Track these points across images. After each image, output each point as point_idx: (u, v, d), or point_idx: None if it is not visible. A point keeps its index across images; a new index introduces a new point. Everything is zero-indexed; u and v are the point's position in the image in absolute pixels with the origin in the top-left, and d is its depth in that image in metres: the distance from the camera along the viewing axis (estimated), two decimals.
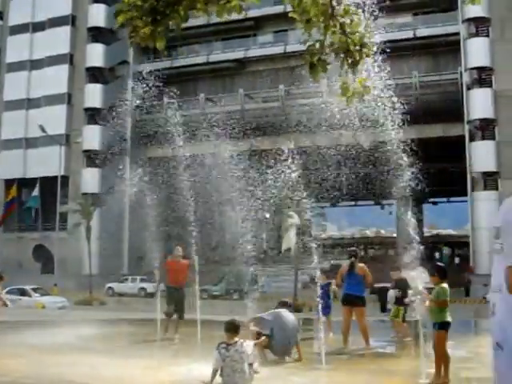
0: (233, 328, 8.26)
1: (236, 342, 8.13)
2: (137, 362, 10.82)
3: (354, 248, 16.73)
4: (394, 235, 78.99)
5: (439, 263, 9.39)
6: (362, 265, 14.31)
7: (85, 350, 12.53)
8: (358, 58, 6.55)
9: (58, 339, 13.39)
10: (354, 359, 11.23)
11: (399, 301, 14.96)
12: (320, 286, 15.89)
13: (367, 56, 6.59)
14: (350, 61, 6.62)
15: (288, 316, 11.11)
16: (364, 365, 10.83)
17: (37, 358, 11.41)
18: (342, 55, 6.64)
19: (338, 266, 56.45)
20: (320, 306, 15.68)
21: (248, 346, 8.22)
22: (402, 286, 14.77)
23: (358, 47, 6.47)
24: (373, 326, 15.36)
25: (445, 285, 8.79)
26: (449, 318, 8.60)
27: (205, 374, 8.13)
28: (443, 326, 8.56)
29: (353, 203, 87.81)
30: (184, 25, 6.48)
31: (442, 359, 8.46)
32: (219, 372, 8.03)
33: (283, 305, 12.07)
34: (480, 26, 51.87)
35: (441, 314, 8.60)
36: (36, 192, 61.47)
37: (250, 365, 8.14)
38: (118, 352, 12.35)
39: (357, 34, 6.51)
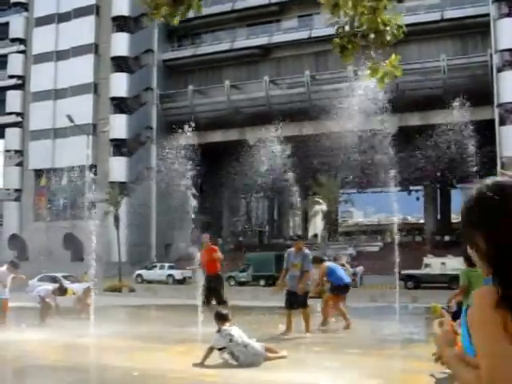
0: (221, 316, 9.17)
1: (226, 328, 8.95)
2: (172, 347, 10.91)
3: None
4: (422, 221, 78.67)
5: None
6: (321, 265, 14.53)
7: (120, 334, 12.62)
8: (388, 38, 6.46)
9: (92, 324, 13.45)
10: (383, 344, 11.13)
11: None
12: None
13: (397, 37, 6.51)
14: (380, 42, 6.54)
15: None
16: (394, 350, 10.76)
17: (73, 343, 11.54)
18: (371, 36, 6.54)
19: (364, 252, 56.54)
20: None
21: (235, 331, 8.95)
22: None
23: (388, 28, 6.39)
24: (403, 312, 15.32)
25: (466, 270, 8.57)
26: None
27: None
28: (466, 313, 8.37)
29: (379, 189, 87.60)
30: (208, 11, 6.52)
31: None
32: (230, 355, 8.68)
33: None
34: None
35: (464, 299, 8.43)
36: (64, 182, 62.03)
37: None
38: (154, 336, 12.45)
39: (386, 14, 6.45)
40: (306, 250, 13.00)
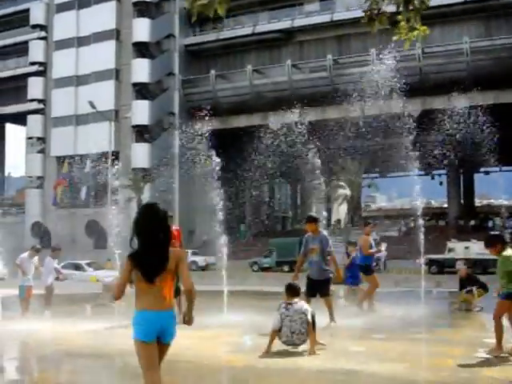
0: (293, 289, 8.62)
1: (296, 302, 8.43)
2: (197, 332, 10.83)
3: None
4: (445, 206, 78.15)
5: (494, 232, 8.91)
6: (364, 237, 14.55)
7: None
8: (418, 6, 6.53)
9: (115, 310, 13.40)
10: (409, 329, 10.96)
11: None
12: (348, 257, 15.94)
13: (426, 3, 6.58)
14: (411, 8, 6.60)
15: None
16: (420, 334, 10.60)
17: (95, 330, 11.50)
18: (402, 4, 6.56)
19: (388, 237, 56.19)
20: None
21: (307, 306, 8.53)
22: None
23: None
24: (427, 297, 15.17)
25: (507, 252, 8.37)
26: None
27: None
28: (506, 296, 8.15)
29: (402, 173, 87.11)
30: None
31: (497, 329, 8.15)
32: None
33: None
34: None
35: (509, 283, 8.18)
36: (87, 168, 62.22)
37: (308, 324, 8.34)
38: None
39: None
40: (324, 232, 12.16)
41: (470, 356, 8.10)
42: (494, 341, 8.27)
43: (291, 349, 8.49)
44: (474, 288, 13.89)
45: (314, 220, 11.96)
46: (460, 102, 49.89)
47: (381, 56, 50.01)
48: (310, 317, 8.39)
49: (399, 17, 6.75)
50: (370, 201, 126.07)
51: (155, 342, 4.89)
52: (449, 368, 7.50)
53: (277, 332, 8.37)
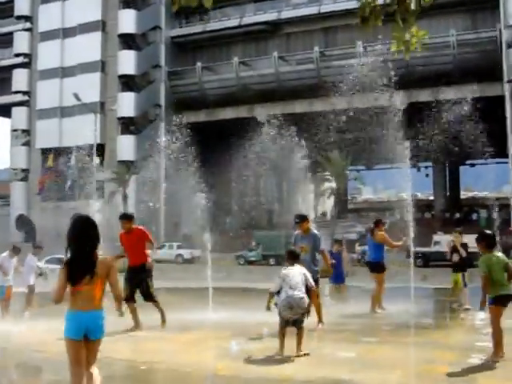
0: (293, 255, 8.87)
1: (297, 266, 8.68)
2: (180, 336, 10.67)
3: (379, 217, 16.67)
4: (431, 198, 78.31)
5: (487, 231, 8.67)
6: (380, 233, 14.00)
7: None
8: (413, 7, 6.43)
9: None
10: (399, 331, 10.83)
11: (457, 266, 14.55)
12: (332, 255, 15.80)
13: (423, 6, 6.40)
14: (404, 10, 6.47)
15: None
16: (411, 337, 10.46)
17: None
18: (395, 6, 6.44)
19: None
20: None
21: (306, 271, 8.68)
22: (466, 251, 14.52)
23: None
24: (418, 294, 15.05)
25: (484, 256, 8.18)
26: (501, 291, 8.04)
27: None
28: (493, 301, 8.06)
29: (389, 166, 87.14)
30: None
31: (495, 335, 8.05)
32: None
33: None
34: None
35: (492, 287, 8.08)
36: (72, 161, 61.74)
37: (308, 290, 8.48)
38: (159, 324, 12.20)
39: None
40: (314, 230, 11.81)
41: (464, 362, 7.98)
42: (484, 344, 8.20)
43: (277, 356, 8.30)
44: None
45: (303, 219, 11.62)
46: (446, 95, 50.02)
47: (368, 48, 50.05)
48: (311, 281, 8.59)
49: (395, 22, 6.61)
50: (356, 193, 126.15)
51: (82, 340, 5.46)
52: (443, 376, 7.33)
53: (273, 294, 8.54)
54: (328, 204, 72.88)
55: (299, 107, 59.19)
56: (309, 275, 8.61)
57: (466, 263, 14.64)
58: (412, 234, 15.80)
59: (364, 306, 13.69)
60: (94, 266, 5.48)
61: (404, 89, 53.30)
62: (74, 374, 5.48)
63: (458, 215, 64.90)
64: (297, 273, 8.45)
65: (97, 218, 49.39)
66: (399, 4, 6.50)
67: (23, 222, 65.96)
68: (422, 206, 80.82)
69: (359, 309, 13.77)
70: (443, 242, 41.94)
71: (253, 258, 48.15)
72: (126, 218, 12.18)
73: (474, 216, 63.96)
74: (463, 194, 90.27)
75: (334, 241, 16.84)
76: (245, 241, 52.58)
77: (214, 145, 62.64)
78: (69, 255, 5.56)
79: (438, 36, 53.41)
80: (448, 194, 72.01)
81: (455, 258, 14.88)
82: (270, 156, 52.79)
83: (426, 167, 77.90)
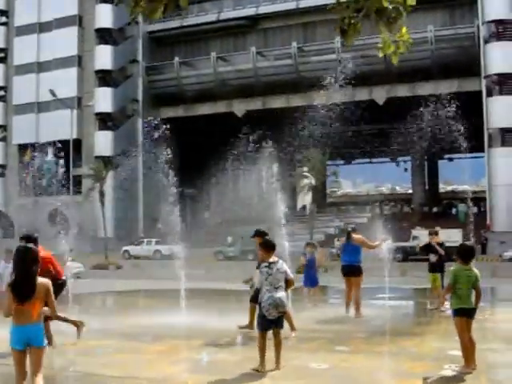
0: (271, 245, 8.53)
1: (277, 260, 8.37)
2: (150, 346, 10.52)
3: (352, 225, 16.62)
4: (410, 192, 78.64)
5: (468, 243, 8.53)
6: (357, 236, 14.01)
7: (96, 331, 12.19)
8: (394, 15, 6.13)
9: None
10: (373, 339, 10.69)
11: (435, 267, 14.47)
12: (306, 258, 15.73)
13: (404, 12, 6.24)
14: (386, 19, 6.20)
15: None
16: (384, 346, 10.31)
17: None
18: (374, 14, 6.16)
19: (352, 224, 55.98)
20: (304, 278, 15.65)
21: (286, 266, 8.46)
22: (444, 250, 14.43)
23: (393, 4, 6.10)
24: (395, 296, 14.98)
25: (458, 268, 8.07)
26: (463, 305, 7.92)
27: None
28: (456, 313, 7.97)
29: (368, 160, 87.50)
30: None
31: (464, 346, 7.95)
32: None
33: None
34: None
35: (453, 299, 8.00)
36: (49, 156, 61.27)
37: (287, 281, 8.38)
38: (132, 332, 12.03)
39: None
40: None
41: (436, 373, 7.89)
42: (458, 353, 8.12)
43: (254, 369, 8.15)
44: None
45: (258, 234, 11.32)
46: (424, 90, 50.23)
47: (346, 44, 49.99)
48: (290, 275, 8.45)
49: (381, 29, 6.32)
50: (336, 187, 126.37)
51: (24, 350, 6.28)
52: None
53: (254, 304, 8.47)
54: (308, 199, 72.93)
55: (277, 102, 59.10)
56: (288, 269, 8.46)
57: (443, 263, 14.58)
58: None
59: (338, 309, 13.63)
60: (33, 288, 6.29)
61: (382, 84, 53.55)
62: (17, 380, 6.36)
63: (436, 209, 65.24)
64: (279, 276, 8.22)
65: (74, 213, 49.18)
66: (379, 13, 6.30)
67: (1, 219, 65.35)
68: (400, 200, 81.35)
69: (334, 313, 13.69)
70: (422, 236, 42.24)
71: (232, 254, 48.06)
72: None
73: (453, 210, 64.26)
74: (442, 188, 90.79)
75: (306, 244, 16.65)
76: (224, 236, 52.49)
77: (193, 140, 62.41)
78: (13, 277, 6.42)
79: (416, 32, 53.52)
80: (427, 187, 72.30)
81: (432, 258, 14.81)
82: (249, 151, 52.69)
83: (405, 161, 78.28)
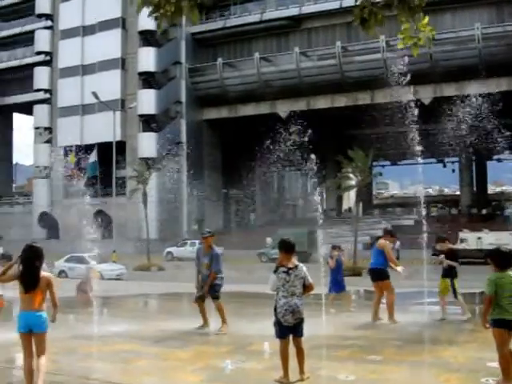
0: (290, 247, 7.88)
1: (296, 266, 7.78)
2: (176, 352, 10.11)
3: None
4: (458, 193, 77.23)
5: (503, 248, 7.72)
6: (383, 241, 13.30)
7: (122, 335, 11.86)
8: (416, 3, 5.81)
9: (92, 320, 12.53)
10: (407, 348, 10.04)
11: (447, 272, 13.61)
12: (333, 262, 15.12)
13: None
14: (407, 8, 5.90)
15: None
16: (419, 355, 9.65)
17: (62, 347, 10.42)
18: (396, 3, 5.88)
19: (399, 226, 55.24)
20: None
21: (305, 269, 7.86)
22: (451, 257, 13.57)
23: None
24: (433, 302, 14.23)
25: (497, 275, 7.35)
26: (505, 315, 7.21)
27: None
28: (495, 324, 7.27)
29: (415, 161, 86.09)
30: None
31: (504, 360, 7.25)
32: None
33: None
34: None
35: (496, 309, 7.27)
36: (93, 158, 61.74)
37: (306, 286, 7.79)
38: (159, 337, 11.65)
39: None
40: (217, 250, 12.37)
41: None
42: (496, 365, 7.49)
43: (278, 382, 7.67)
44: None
45: (209, 234, 12.37)
46: (472, 89, 48.97)
47: (391, 43, 49.14)
48: (310, 279, 7.82)
49: (399, 19, 6.08)
50: (383, 188, 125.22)
51: (29, 333, 7.19)
52: None
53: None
54: (353, 199, 72.20)
55: (321, 103, 58.56)
56: (307, 273, 7.83)
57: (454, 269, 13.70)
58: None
59: (368, 316, 13.01)
60: (37, 280, 7.20)
61: (428, 83, 52.49)
62: (24, 359, 7.25)
63: (485, 211, 63.88)
64: (297, 282, 7.67)
65: (118, 215, 49.31)
66: (400, 2, 5.87)
67: (46, 220, 66.15)
68: (448, 202, 79.94)
69: (366, 319, 13.04)
70: (470, 239, 41.24)
71: (275, 256, 47.41)
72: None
73: (506, 212, 62.87)
74: (491, 189, 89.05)
75: (332, 247, 15.98)
76: (270, 238, 52.06)
77: (237, 141, 62.29)
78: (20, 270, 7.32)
79: (463, 30, 52.47)
80: (475, 189, 70.88)
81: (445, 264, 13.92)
82: (293, 153, 52.19)
83: (453, 162, 76.98)
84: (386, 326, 12.39)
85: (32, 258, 7.26)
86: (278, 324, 7.68)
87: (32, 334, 7.17)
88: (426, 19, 6.09)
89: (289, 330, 7.60)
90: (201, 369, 8.69)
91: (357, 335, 11.30)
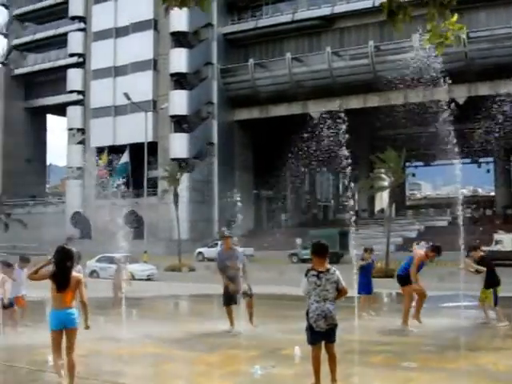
0: (322, 250, 7.66)
1: (328, 269, 7.52)
2: (203, 356, 9.89)
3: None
4: (492, 194, 76.05)
5: None
6: (417, 251, 13.08)
7: (150, 337, 11.68)
8: None
9: (120, 322, 12.39)
10: (444, 354, 9.64)
11: (490, 283, 13.15)
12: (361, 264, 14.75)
13: None
14: (438, 3, 5.58)
15: None
16: (456, 362, 9.22)
17: (89, 349, 10.24)
18: None
19: (433, 227, 54.63)
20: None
21: (338, 273, 7.56)
22: (486, 265, 13.15)
23: None
24: (469, 305, 13.83)
25: None
26: None
27: None
28: None
29: (448, 161, 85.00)
30: None
31: None
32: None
33: None
34: None
35: None
36: (125, 159, 62.00)
37: (339, 291, 7.50)
38: (187, 339, 11.46)
39: None
40: (239, 248, 12.68)
41: None
42: None
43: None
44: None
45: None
46: (507, 88, 48.16)
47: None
48: (343, 284, 7.52)
49: (428, 15, 5.73)
50: (416, 188, 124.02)
51: (61, 331, 7.61)
52: None
53: None
54: (385, 200, 71.60)
55: (354, 103, 58.03)
56: (341, 277, 7.54)
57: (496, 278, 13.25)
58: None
59: (399, 320, 12.63)
60: (68, 280, 7.66)
61: (463, 82, 51.69)
62: (54, 357, 7.68)
63: None
64: (329, 287, 7.39)
65: (149, 215, 49.40)
66: None
67: (79, 220, 66.60)
68: (482, 203, 78.82)
69: (396, 324, 12.64)
70: (505, 240, 40.49)
71: (306, 256, 47.14)
72: None
73: None
74: None
75: (364, 250, 15.59)
76: (300, 238, 51.74)
77: (268, 142, 62.07)
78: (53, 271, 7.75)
79: (499, 27, 51.59)
80: (511, 189, 69.71)
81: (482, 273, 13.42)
82: (324, 153, 51.86)
83: (487, 163, 75.81)
84: (421, 331, 12.00)
85: (64, 260, 7.72)
86: (309, 329, 7.42)
87: (64, 331, 7.60)
88: (455, 17, 5.74)
89: (321, 335, 7.34)
90: (229, 374, 8.48)
91: (389, 340, 10.97)
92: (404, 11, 5.68)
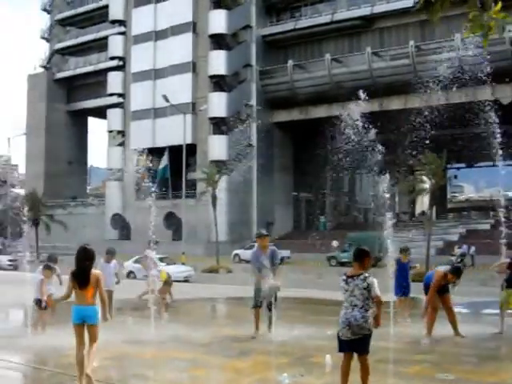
0: (358, 255, 7.42)
1: (359, 274, 7.14)
2: (232, 361, 9.62)
3: None
4: None
5: None
6: (438, 271, 12.30)
7: (181, 340, 11.45)
8: None
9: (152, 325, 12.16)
10: (484, 365, 9.05)
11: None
12: (398, 265, 14.25)
13: None
14: None
15: None
16: (497, 375, 8.42)
17: (122, 355, 10.14)
18: None
19: (475, 230, 53.62)
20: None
21: (372, 280, 7.14)
22: None
23: None
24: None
25: None
26: None
27: None
28: None
29: (491, 163, 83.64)
30: None
31: None
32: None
33: None
34: None
35: None
36: (165, 162, 62.29)
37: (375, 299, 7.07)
38: (218, 343, 11.21)
39: None
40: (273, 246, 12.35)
41: None
42: None
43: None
44: None
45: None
46: None
47: (466, 40, 47.63)
48: (377, 291, 7.06)
49: (468, 4, 5.29)
50: (458, 191, 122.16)
51: (82, 324, 7.94)
52: None
53: None
54: (426, 203, 70.64)
55: (395, 104, 57.31)
56: (375, 284, 7.11)
57: None
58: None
59: (446, 326, 12.07)
60: (88, 278, 8.03)
61: (508, 82, 50.60)
62: (77, 348, 7.92)
63: None
64: (357, 292, 7.01)
65: (188, 217, 49.39)
66: None
67: (119, 221, 67.04)
68: None
69: (441, 330, 11.96)
70: None
71: (345, 260, 46.60)
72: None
73: None
74: None
75: (400, 250, 15.08)
76: (339, 241, 51.22)
77: (307, 144, 61.66)
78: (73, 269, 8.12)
79: None
80: None
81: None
82: (364, 155, 51.24)
83: None
84: (461, 340, 11.48)
85: (83, 259, 8.12)
86: (337, 337, 7.09)
87: (85, 325, 7.94)
88: (499, 5, 5.25)
89: (347, 344, 6.97)
90: (257, 381, 8.18)
91: (426, 349, 10.52)
92: (441, 2, 5.31)
